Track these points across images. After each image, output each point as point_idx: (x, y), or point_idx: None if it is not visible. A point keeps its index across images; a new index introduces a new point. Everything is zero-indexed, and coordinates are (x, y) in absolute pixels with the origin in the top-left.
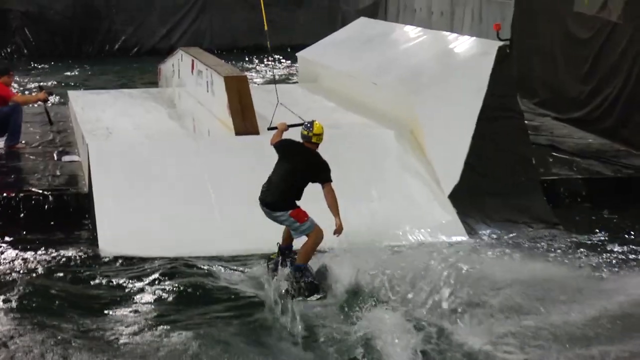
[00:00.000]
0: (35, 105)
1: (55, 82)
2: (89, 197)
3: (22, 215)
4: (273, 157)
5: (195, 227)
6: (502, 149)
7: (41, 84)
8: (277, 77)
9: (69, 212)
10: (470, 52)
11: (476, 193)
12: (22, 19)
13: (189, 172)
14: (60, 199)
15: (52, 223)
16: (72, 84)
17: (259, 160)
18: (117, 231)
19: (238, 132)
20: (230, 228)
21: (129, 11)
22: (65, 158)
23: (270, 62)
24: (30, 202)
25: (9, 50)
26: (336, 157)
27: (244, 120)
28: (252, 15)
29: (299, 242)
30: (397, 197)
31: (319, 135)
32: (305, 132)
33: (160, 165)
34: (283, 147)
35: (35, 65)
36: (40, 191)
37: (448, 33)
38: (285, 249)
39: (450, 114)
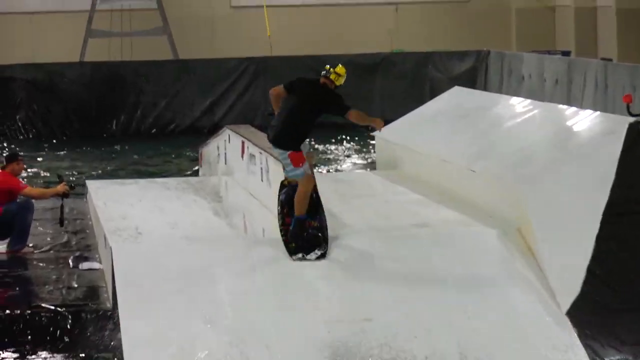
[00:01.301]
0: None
1: (73, 174)
2: (112, 315)
3: (29, 337)
4: (347, 265)
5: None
6: (635, 253)
7: (60, 173)
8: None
9: (87, 334)
10: (593, 130)
11: (602, 309)
12: (29, 90)
13: (240, 285)
14: (78, 317)
15: (66, 347)
16: (91, 172)
17: (328, 266)
18: None
19: None
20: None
21: (162, 79)
22: (84, 265)
23: None
24: (40, 321)
25: (12, 128)
26: (425, 263)
27: None
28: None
29: None
30: (499, 313)
31: (340, 76)
32: (326, 68)
33: (203, 275)
34: (293, 82)
35: (45, 147)
36: (53, 307)
37: (565, 106)
38: None
39: (568, 209)
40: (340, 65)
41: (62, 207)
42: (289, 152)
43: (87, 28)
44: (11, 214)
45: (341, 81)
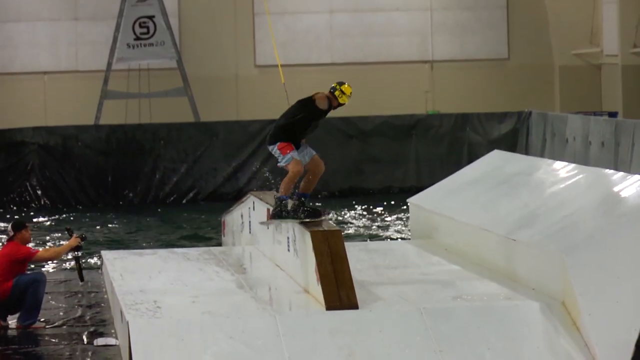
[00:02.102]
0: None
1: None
2: None
3: None
4: (380, 341)
5: None
6: None
7: (68, 227)
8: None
9: None
10: None
11: None
12: (40, 155)
13: None
14: None
15: None
16: (107, 242)
17: (359, 344)
18: None
19: (330, 307)
20: None
21: (183, 144)
22: (99, 341)
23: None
24: None
25: (23, 196)
26: (463, 339)
27: (339, 290)
28: (348, 149)
29: None
30: None
31: (344, 94)
32: (334, 85)
33: (227, 352)
34: None
35: (56, 216)
36: None
37: (612, 171)
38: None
39: (616, 282)
40: (348, 85)
41: (78, 260)
42: (277, 144)
43: (103, 89)
44: (22, 287)
45: (345, 100)
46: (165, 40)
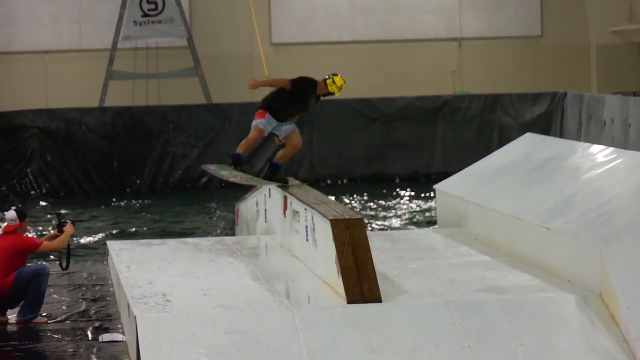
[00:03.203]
0: None
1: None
2: None
3: None
4: (405, 336)
5: None
6: None
7: (59, 212)
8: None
9: None
10: None
11: None
12: (41, 140)
13: (283, 358)
14: None
15: None
16: (113, 232)
17: (383, 340)
18: None
19: (352, 300)
20: None
21: (193, 128)
22: (104, 337)
23: None
24: None
25: (23, 183)
26: (494, 334)
27: (361, 282)
28: (370, 133)
29: None
30: None
31: (334, 84)
32: (330, 74)
33: (241, 348)
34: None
35: (60, 204)
36: None
37: None
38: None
39: None
40: (341, 77)
41: (69, 249)
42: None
43: (108, 69)
44: (24, 280)
45: (334, 90)
46: (175, 17)
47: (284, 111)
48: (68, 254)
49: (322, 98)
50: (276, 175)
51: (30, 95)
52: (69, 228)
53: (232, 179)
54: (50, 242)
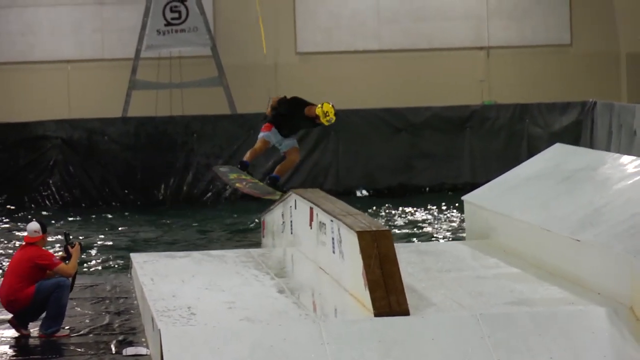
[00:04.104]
0: None
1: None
2: None
3: None
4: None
5: None
6: None
7: (66, 232)
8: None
9: None
10: None
11: None
12: (63, 150)
13: None
14: None
15: None
16: (136, 243)
17: (410, 353)
18: None
19: (379, 313)
20: None
21: (217, 138)
22: (128, 351)
23: None
24: None
25: (45, 194)
26: (523, 347)
27: (388, 295)
28: (396, 144)
29: None
30: None
31: (321, 108)
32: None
33: None
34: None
35: (82, 216)
36: None
37: None
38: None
39: None
40: (331, 105)
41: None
42: None
43: (131, 79)
44: (44, 293)
45: (319, 113)
46: (199, 25)
47: (284, 126)
48: (74, 276)
49: (316, 121)
50: (275, 186)
51: (52, 105)
52: (76, 251)
53: (237, 184)
54: (65, 265)
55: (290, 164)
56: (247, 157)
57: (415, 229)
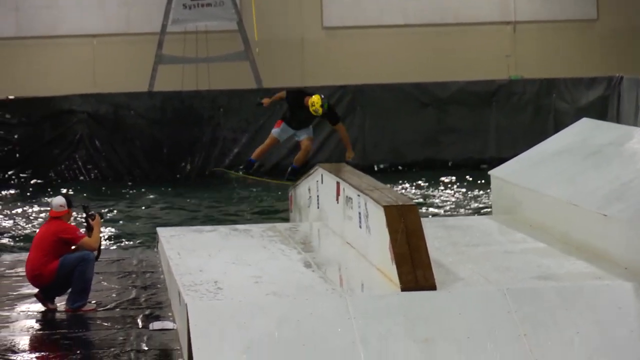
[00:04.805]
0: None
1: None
2: None
3: None
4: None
5: None
6: None
7: (85, 205)
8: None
9: None
10: None
11: None
12: (89, 125)
13: (335, 346)
14: None
15: None
16: (163, 218)
17: (437, 327)
18: None
19: (406, 287)
20: None
21: (244, 112)
22: (155, 325)
23: None
24: None
25: (71, 169)
26: (549, 322)
27: (415, 269)
28: (422, 118)
29: None
30: None
31: (311, 101)
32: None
33: (293, 336)
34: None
35: (108, 190)
36: None
37: None
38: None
39: None
40: (319, 97)
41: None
42: None
43: (157, 53)
44: (68, 267)
45: (309, 107)
46: (225, 0)
47: (293, 119)
48: (99, 249)
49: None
50: (294, 175)
51: (78, 80)
52: (96, 223)
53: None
54: (89, 239)
55: (304, 152)
56: (255, 154)
57: (441, 204)
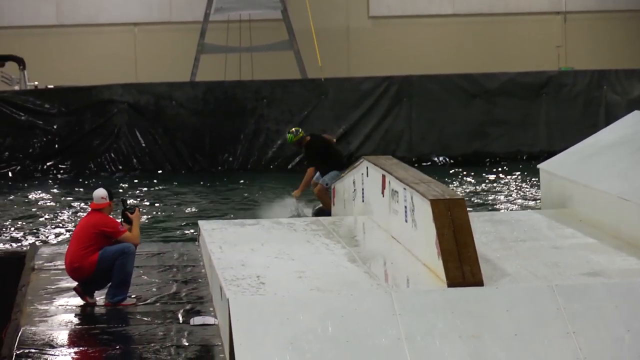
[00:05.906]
0: None
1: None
2: None
3: None
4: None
5: None
6: None
7: (123, 198)
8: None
9: None
10: None
11: None
12: (130, 115)
13: (380, 343)
14: None
15: None
16: (204, 210)
17: (484, 324)
18: None
19: (452, 283)
20: None
21: (288, 103)
22: (196, 320)
23: None
24: None
25: (111, 160)
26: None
27: (462, 264)
28: (470, 110)
29: None
30: None
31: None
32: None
33: (337, 332)
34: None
35: (149, 182)
36: None
37: None
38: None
39: None
40: (294, 129)
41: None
42: None
43: (200, 42)
44: (108, 260)
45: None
46: None
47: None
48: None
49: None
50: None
51: (119, 69)
52: (136, 217)
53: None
54: (130, 233)
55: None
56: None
57: (489, 198)
